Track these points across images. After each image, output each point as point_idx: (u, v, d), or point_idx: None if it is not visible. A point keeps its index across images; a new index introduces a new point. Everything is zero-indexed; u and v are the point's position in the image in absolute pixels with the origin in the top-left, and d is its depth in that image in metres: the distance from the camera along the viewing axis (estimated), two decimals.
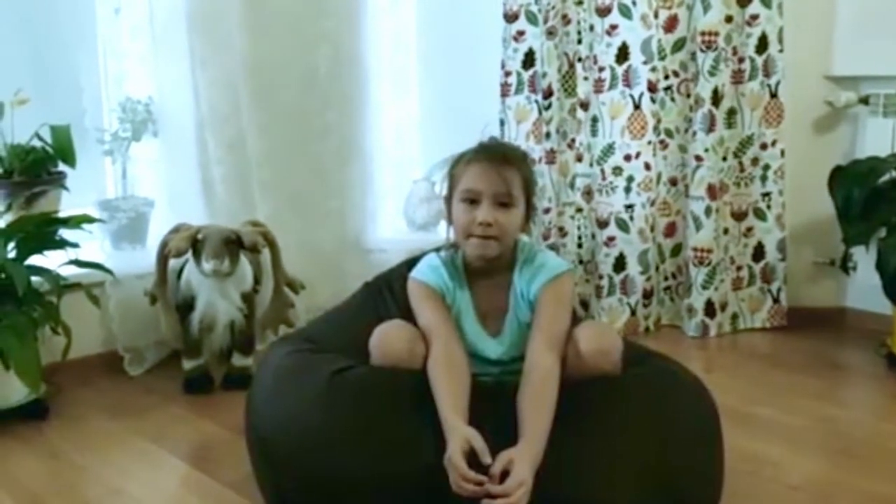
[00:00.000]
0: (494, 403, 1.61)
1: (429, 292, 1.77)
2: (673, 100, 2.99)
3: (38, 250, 2.30)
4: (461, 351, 1.70)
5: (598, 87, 2.95)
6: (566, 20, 2.91)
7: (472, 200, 1.70)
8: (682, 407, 1.72)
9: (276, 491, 1.73)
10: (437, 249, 1.84)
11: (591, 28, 2.92)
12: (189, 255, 2.42)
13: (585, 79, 2.94)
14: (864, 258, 2.72)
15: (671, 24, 2.94)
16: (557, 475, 1.50)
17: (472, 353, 1.77)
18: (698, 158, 2.93)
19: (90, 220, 2.43)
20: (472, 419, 1.55)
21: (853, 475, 1.97)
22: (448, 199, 1.79)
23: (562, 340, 1.69)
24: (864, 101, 2.92)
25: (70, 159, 2.48)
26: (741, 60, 2.93)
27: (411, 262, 1.92)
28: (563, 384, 1.63)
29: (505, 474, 1.44)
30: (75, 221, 2.36)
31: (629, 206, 2.99)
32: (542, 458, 1.50)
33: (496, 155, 1.73)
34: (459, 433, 1.50)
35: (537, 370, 1.63)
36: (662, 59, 2.95)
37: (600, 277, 3.02)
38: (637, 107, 2.95)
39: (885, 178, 2.63)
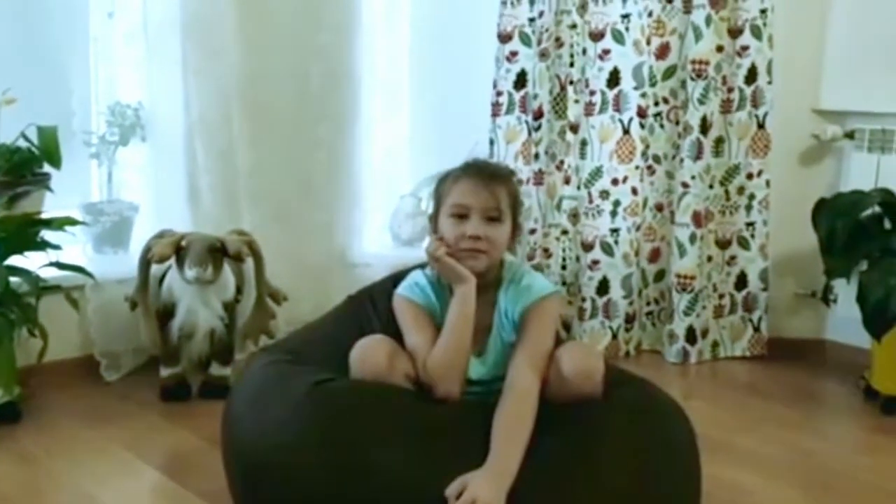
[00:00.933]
0: (482, 423, 1.60)
1: (416, 311, 1.77)
2: (662, 126, 3.01)
3: (19, 251, 2.28)
4: None
5: (589, 110, 2.97)
6: (559, 43, 2.93)
7: (461, 216, 1.72)
8: (660, 433, 1.72)
9: (250, 503, 1.71)
10: (423, 266, 1.84)
11: (584, 52, 2.94)
12: (172, 261, 2.41)
13: (576, 101, 2.95)
14: (845, 291, 2.74)
15: (663, 52, 2.97)
16: (533, 500, 1.49)
17: None
18: (685, 185, 2.95)
19: (73, 222, 2.41)
20: (455, 439, 1.55)
21: None
22: (434, 217, 1.79)
23: (544, 361, 1.69)
24: (850, 135, 2.95)
25: (55, 161, 2.46)
26: (730, 90, 2.96)
27: (396, 278, 1.91)
28: (543, 406, 1.63)
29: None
30: (58, 223, 2.34)
31: (615, 230, 3.00)
32: (513, 478, 1.50)
33: (485, 171, 1.76)
34: None
35: (516, 389, 1.63)
36: (653, 85, 2.97)
37: (583, 300, 3.02)
38: (626, 131, 2.96)
39: (868, 212, 2.65)
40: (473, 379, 1.77)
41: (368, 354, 1.70)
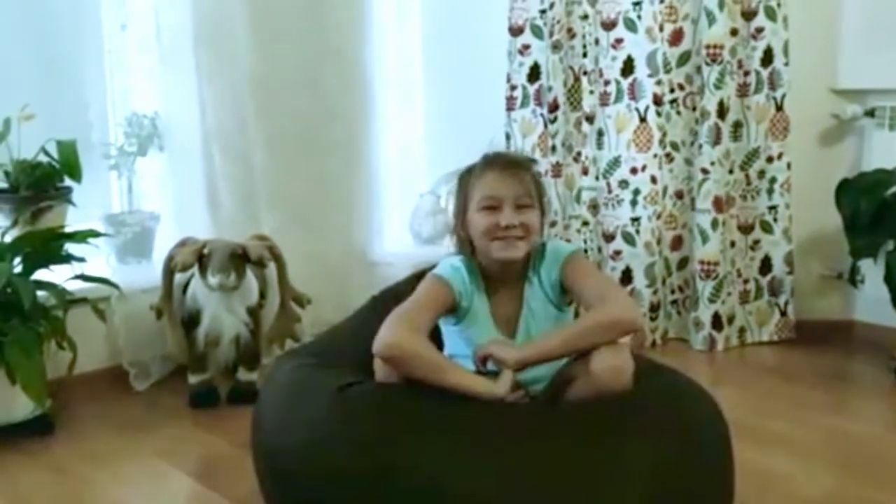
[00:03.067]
0: (511, 422, 1.61)
1: (438, 289, 1.76)
2: (678, 113, 2.99)
3: (44, 265, 2.30)
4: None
5: (604, 100, 2.95)
6: (571, 34, 2.91)
7: (493, 207, 1.72)
8: (690, 422, 1.71)
9: None
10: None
11: (597, 42, 2.92)
12: (195, 269, 2.42)
13: (591, 92, 2.94)
14: (872, 271, 2.71)
15: (676, 38, 2.94)
16: (568, 486, 1.49)
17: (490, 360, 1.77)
18: (704, 171, 2.93)
19: (96, 234, 2.43)
20: (484, 438, 1.56)
21: (865, 488, 1.95)
22: (460, 215, 1.78)
23: (607, 285, 1.80)
24: (871, 113, 2.91)
25: (76, 174, 2.48)
26: (746, 73, 2.93)
27: (419, 276, 1.91)
28: (575, 400, 1.65)
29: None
30: (81, 236, 2.36)
31: (635, 220, 2.98)
32: (542, 358, 1.66)
33: (508, 161, 1.79)
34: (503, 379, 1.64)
35: (607, 308, 1.67)
36: (668, 72, 2.95)
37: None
38: (643, 120, 2.95)
39: (892, 190, 2.62)
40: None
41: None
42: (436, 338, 1.81)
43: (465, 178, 1.78)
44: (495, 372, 1.70)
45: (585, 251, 3.00)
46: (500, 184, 1.73)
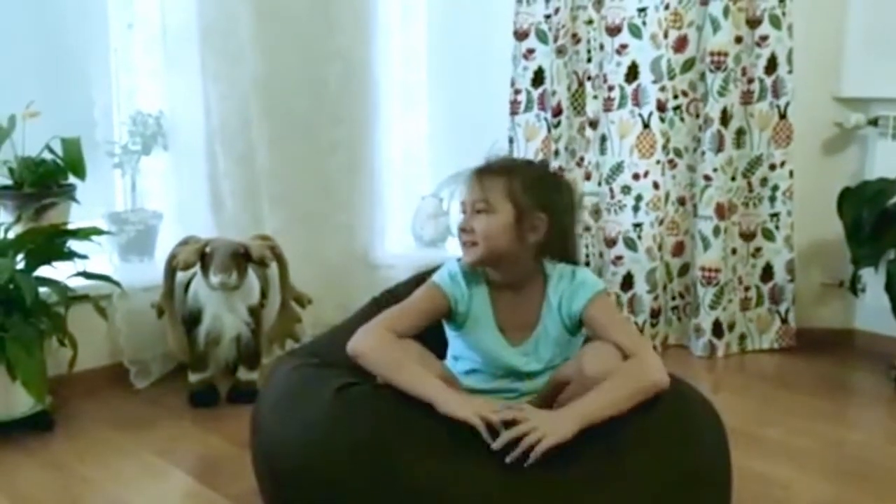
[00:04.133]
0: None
1: (433, 296, 1.78)
2: (682, 119, 3.00)
3: (47, 262, 2.30)
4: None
5: (608, 105, 2.96)
6: (576, 39, 2.92)
7: (463, 212, 1.77)
8: (689, 428, 1.71)
9: None
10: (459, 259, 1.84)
11: (601, 47, 2.93)
12: (197, 268, 2.43)
13: (595, 97, 2.94)
14: (874, 280, 2.71)
15: (681, 44, 2.95)
16: (566, 492, 1.49)
17: (491, 363, 1.77)
18: (707, 178, 2.93)
19: (99, 232, 2.43)
20: (481, 441, 1.55)
21: (864, 497, 1.96)
22: None
23: (637, 341, 1.74)
24: (874, 122, 2.92)
25: (80, 172, 2.49)
26: (750, 81, 2.93)
27: (420, 278, 1.91)
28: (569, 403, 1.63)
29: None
30: (84, 233, 2.37)
31: (637, 225, 2.99)
32: (591, 422, 1.52)
33: (483, 166, 1.78)
34: (476, 403, 1.56)
35: (635, 362, 1.65)
36: (672, 78, 2.95)
37: (608, 296, 3.00)
38: (646, 126, 2.95)
39: (894, 199, 2.62)
40: (521, 370, 1.78)
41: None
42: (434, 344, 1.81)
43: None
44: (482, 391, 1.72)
45: (587, 259, 3.01)
46: (467, 188, 1.75)
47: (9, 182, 2.47)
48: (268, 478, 1.76)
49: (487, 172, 1.75)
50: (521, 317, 1.78)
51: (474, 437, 1.52)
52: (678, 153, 3.01)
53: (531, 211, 1.73)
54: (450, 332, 1.84)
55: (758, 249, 3.03)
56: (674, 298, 3.11)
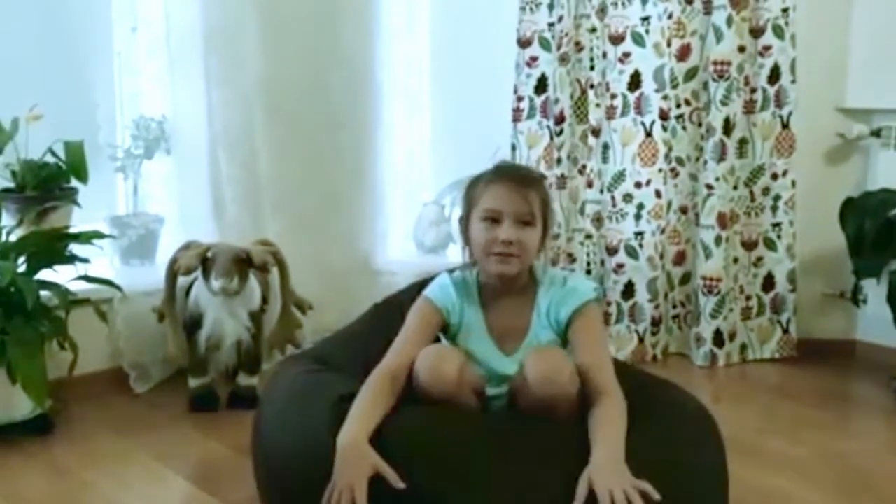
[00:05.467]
0: (497, 436, 1.60)
1: (426, 312, 1.78)
2: (684, 128, 3.00)
3: (48, 265, 2.30)
4: (404, 382, 1.68)
5: (610, 113, 2.96)
6: (579, 47, 2.92)
7: (494, 220, 1.72)
8: (687, 437, 1.70)
9: None
10: (452, 270, 1.84)
11: (604, 55, 2.93)
12: (198, 272, 2.42)
13: (597, 105, 2.95)
14: (875, 291, 2.71)
15: (684, 53, 2.95)
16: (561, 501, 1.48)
17: (485, 372, 1.76)
18: (709, 187, 2.93)
19: (100, 235, 2.43)
20: (472, 451, 1.55)
21: None
22: (464, 220, 1.79)
23: (610, 364, 1.72)
24: (876, 133, 2.92)
25: (82, 175, 2.49)
26: (753, 91, 2.93)
27: (421, 285, 1.91)
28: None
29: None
30: (86, 237, 2.36)
31: (639, 234, 2.99)
32: (623, 461, 1.50)
33: (517, 176, 1.76)
34: (371, 459, 1.51)
35: (609, 393, 1.63)
36: (675, 87, 2.95)
37: (609, 304, 3.00)
38: (648, 134, 2.95)
39: None
40: (511, 375, 1.76)
41: (441, 365, 1.66)
42: None
43: (474, 186, 1.78)
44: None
45: (589, 267, 3.01)
46: (505, 198, 1.71)
47: (11, 185, 2.47)
48: (268, 484, 1.76)
49: (526, 183, 1.73)
50: (512, 324, 1.78)
51: (472, 446, 1.53)
52: (680, 162, 3.02)
53: (550, 225, 1.78)
54: (444, 342, 1.84)
55: (759, 259, 3.03)
56: (675, 307, 3.11)
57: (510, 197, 1.71)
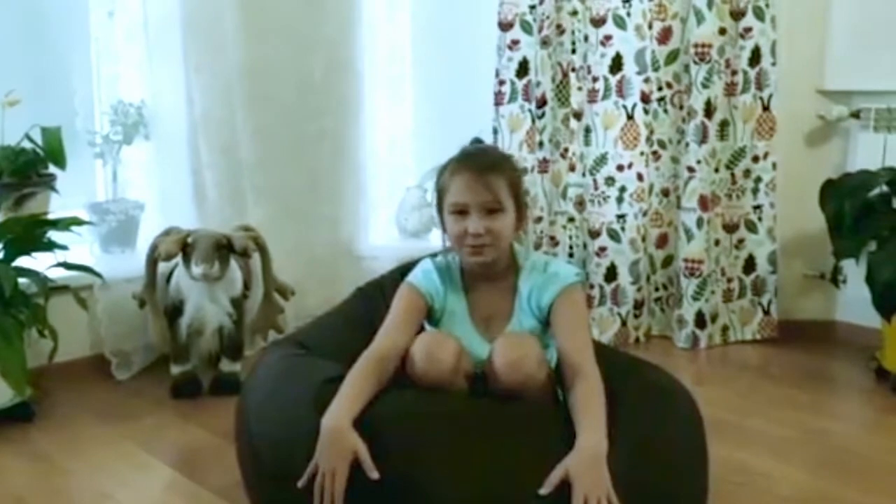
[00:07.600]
0: (482, 417, 1.60)
1: (410, 297, 1.77)
2: (666, 111, 3.00)
3: (27, 252, 2.28)
4: (393, 367, 1.68)
5: (592, 97, 2.96)
6: (560, 30, 2.91)
7: (461, 212, 1.70)
8: (667, 417, 1.71)
9: (264, 498, 1.71)
10: (434, 255, 1.84)
11: (586, 38, 2.93)
12: (179, 258, 2.41)
13: (579, 89, 2.94)
14: (854, 271, 2.73)
15: (665, 36, 2.95)
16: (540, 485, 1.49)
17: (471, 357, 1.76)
18: (690, 170, 2.94)
19: (79, 222, 2.41)
20: (458, 429, 1.55)
21: (844, 487, 1.97)
22: (438, 209, 1.78)
23: (590, 347, 1.69)
24: (856, 115, 2.93)
25: (60, 161, 2.47)
26: (734, 73, 2.94)
27: (404, 269, 1.91)
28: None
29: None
30: (64, 224, 2.34)
31: (621, 217, 2.99)
32: (606, 452, 1.50)
33: (479, 163, 1.72)
34: (353, 444, 1.51)
35: (587, 373, 1.62)
36: (656, 70, 2.95)
37: (591, 287, 3.01)
38: (630, 117, 2.95)
39: (876, 191, 2.64)
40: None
41: (438, 352, 1.65)
42: None
43: (441, 174, 1.76)
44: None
45: (571, 251, 3.01)
46: (469, 189, 1.68)
47: None
48: (252, 470, 1.75)
49: (489, 170, 1.70)
50: (495, 310, 1.77)
51: (456, 431, 1.54)
52: (662, 145, 3.02)
53: (525, 204, 1.75)
54: (428, 328, 1.84)
55: (741, 241, 3.05)
56: (657, 290, 3.12)
57: (474, 188, 1.68)
